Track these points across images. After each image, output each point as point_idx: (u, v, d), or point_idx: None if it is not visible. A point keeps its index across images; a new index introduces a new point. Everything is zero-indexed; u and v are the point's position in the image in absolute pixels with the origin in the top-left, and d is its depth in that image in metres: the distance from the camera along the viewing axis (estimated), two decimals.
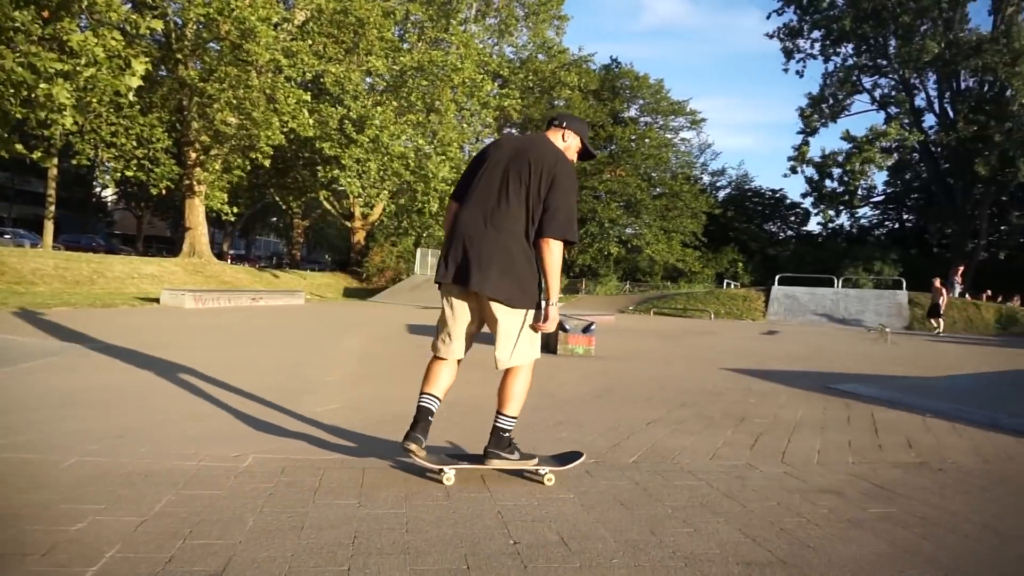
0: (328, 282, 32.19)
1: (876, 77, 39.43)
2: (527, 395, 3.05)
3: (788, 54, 41.44)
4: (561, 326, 9.20)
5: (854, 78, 39.11)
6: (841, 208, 41.62)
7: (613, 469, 3.38)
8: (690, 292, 33.70)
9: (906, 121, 37.69)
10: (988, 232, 38.14)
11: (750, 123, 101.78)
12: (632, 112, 45.20)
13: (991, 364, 9.06)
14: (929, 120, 38.87)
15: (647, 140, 42.51)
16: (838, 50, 39.55)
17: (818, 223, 46.51)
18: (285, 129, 20.85)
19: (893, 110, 38.34)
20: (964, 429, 4.93)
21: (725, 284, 37.30)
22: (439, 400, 2.96)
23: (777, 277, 29.54)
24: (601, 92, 42.69)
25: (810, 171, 39.77)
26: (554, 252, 2.81)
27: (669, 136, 45.13)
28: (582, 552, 2.26)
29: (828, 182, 39.41)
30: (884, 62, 38.04)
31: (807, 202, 45.30)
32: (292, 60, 20.62)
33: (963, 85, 36.84)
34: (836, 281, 29.61)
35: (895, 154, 38.82)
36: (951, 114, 36.68)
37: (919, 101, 38.71)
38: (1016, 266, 36.86)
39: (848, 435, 4.58)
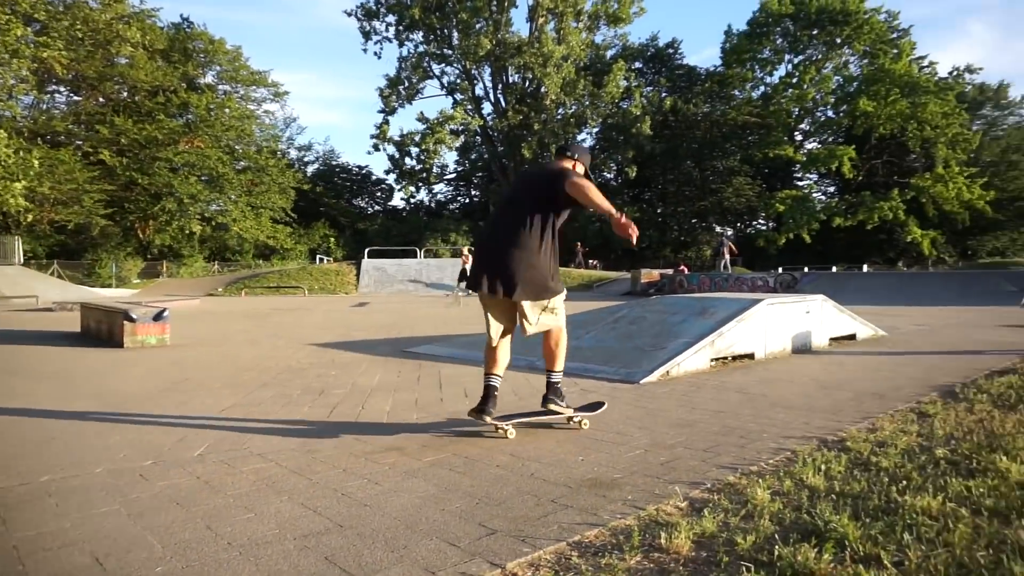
0: None
1: (444, 65, 43.42)
2: (561, 351, 3.91)
3: (366, 35, 42.96)
4: (127, 315, 8.17)
5: (425, 64, 42.45)
6: (420, 184, 45.14)
7: (174, 467, 3.11)
8: (283, 269, 33.07)
9: (469, 107, 42.40)
10: None
11: (336, 99, 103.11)
12: (209, 79, 41.97)
13: None
14: (487, 107, 44.38)
15: (227, 110, 39.96)
16: (411, 36, 42.45)
17: (401, 198, 49.76)
18: None
19: (459, 96, 42.73)
20: (509, 374, 5.77)
21: (318, 259, 37.55)
22: (500, 377, 3.74)
23: (367, 251, 30.77)
24: (170, 53, 38.60)
25: (391, 149, 42.16)
26: (578, 189, 3.38)
27: (252, 107, 43.16)
28: (119, 570, 2.02)
29: (408, 160, 42.32)
30: (450, 52, 42.06)
31: (391, 178, 48.00)
32: None
33: (511, 79, 42.86)
34: (419, 252, 32.14)
35: (462, 136, 43.43)
36: (503, 104, 42.42)
37: (479, 90, 43.89)
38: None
39: (416, 393, 5.01)
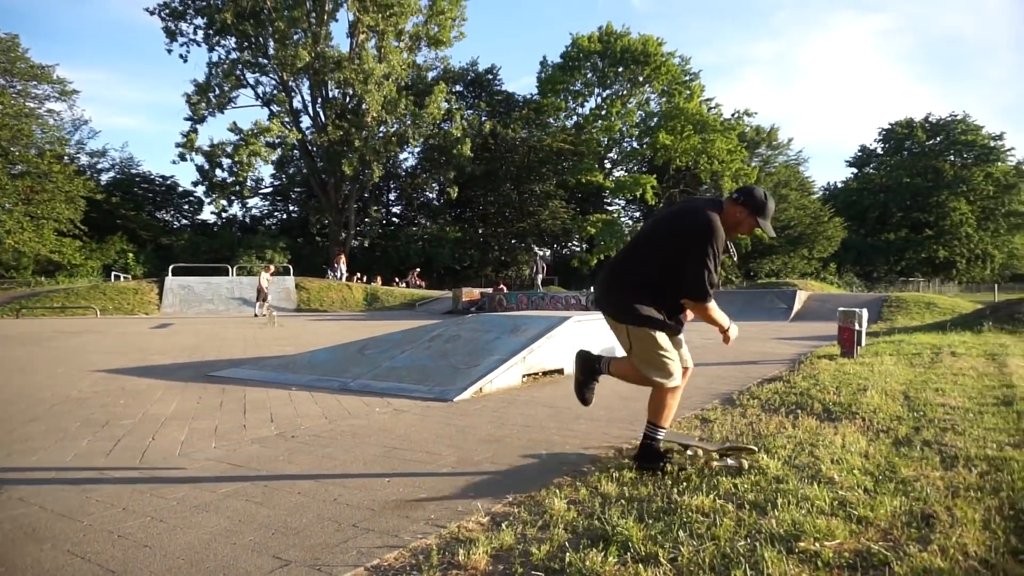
0: None
1: (259, 75, 41.38)
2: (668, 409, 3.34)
3: (171, 35, 39.85)
4: None
5: (238, 72, 40.20)
6: (233, 198, 42.56)
7: None
8: (70, 288, 29.54)
9: (287, 120, 40.77)
10: (356, 223, 44.59)
11: (136, 103, 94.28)
12: None
13: (352, 335, 10.60)
14: (306, 121, 42.94)
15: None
16: (222, 41, 40.02)
17: (212, 212, 46.45)
18: None
19: (275, 108, 40.93)
20: (321, 397, 5.60)
21: (113, 277, 33.98)
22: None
23: (171, 268, 28.40)
24: None
25: (200, 159, 39.35)
26: (697, 307, 3.16)
27: (32, 105, 38.31)
28: None
29: (219, 172, 39.72)
30: (265, 61, 40.20)
31: (199, 191, 44.70)
32: None
33: (331, 94, 41.87)
34: (231, 269, 30.22)
35: (279, 149, 41.60)
36: (323, 118, 41.29)
37: (297, 103, 42.31)
38: (377, 252, 44.14)
39: (217, 420, 4.67)
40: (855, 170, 75.98)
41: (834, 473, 2.94)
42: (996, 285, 40.49)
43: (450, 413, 4.83)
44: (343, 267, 33.13)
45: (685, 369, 3.41)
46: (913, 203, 66.79)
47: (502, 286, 31.71)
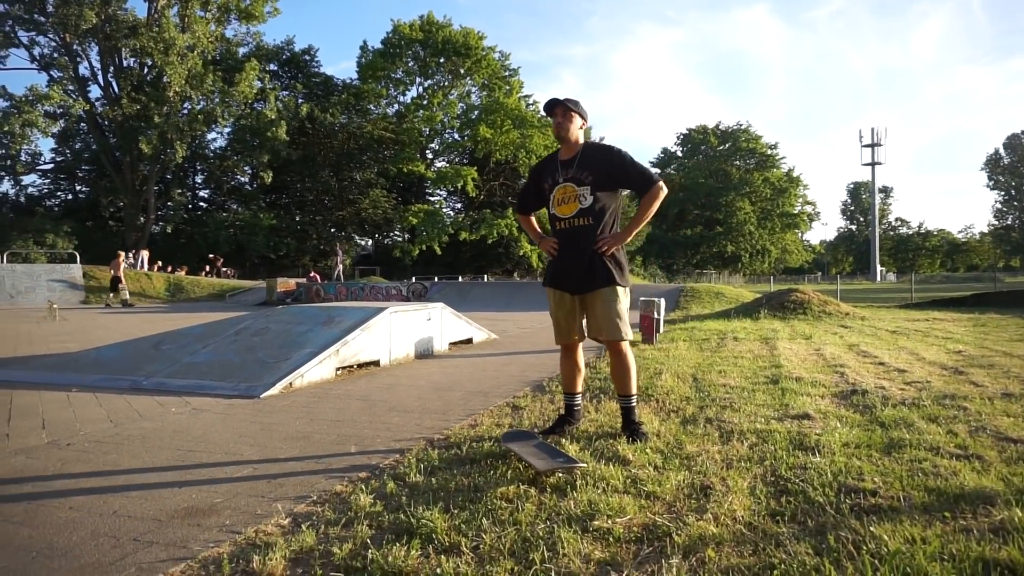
0: None
1: (35, 34, 36.33)
2: None
3: None
4: None
5: (7, 28, 35.02)
6: (3, 174, 37.23)
7: None
8: None
9: (71, 87, 36.24)
10: (157, 207, 40.78)
11: None
12: None
13: (149, 330, 9.69)
14: (96, 91, 38.50)
15: None
16: None
17: None
18: None
19: (56, 73, 36.20)
20: (106, 398, 5.05)
21: None
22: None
23: None
24: None
25: None
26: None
27: None
28: None
29: None
30: (43, 19, 35.39)
31: None
32: None
33: (125, 63, 37.87)
34: (1, 256, 26.41)
35: (61, 120, 36.93)
36: (116, 89, 37.22)
37: (83, 70, 37.73)
38: (182, 239, 40.72)
39: None
40: (658, 170, 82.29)
41: (628, 453, 3.15)
42: (772, 277, 45.82)
43: (256, 410, 4.57)
44: (144, 258, 30.26)
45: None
46: (707, 202, 73.76)
47: (315, 275, 30.62)
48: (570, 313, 3.57)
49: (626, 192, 3.71)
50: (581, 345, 3.71)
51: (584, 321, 3.58)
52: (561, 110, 3.50)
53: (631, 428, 3.46)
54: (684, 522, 2.29)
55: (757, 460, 3.06)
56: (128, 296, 21.59)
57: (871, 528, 2.20)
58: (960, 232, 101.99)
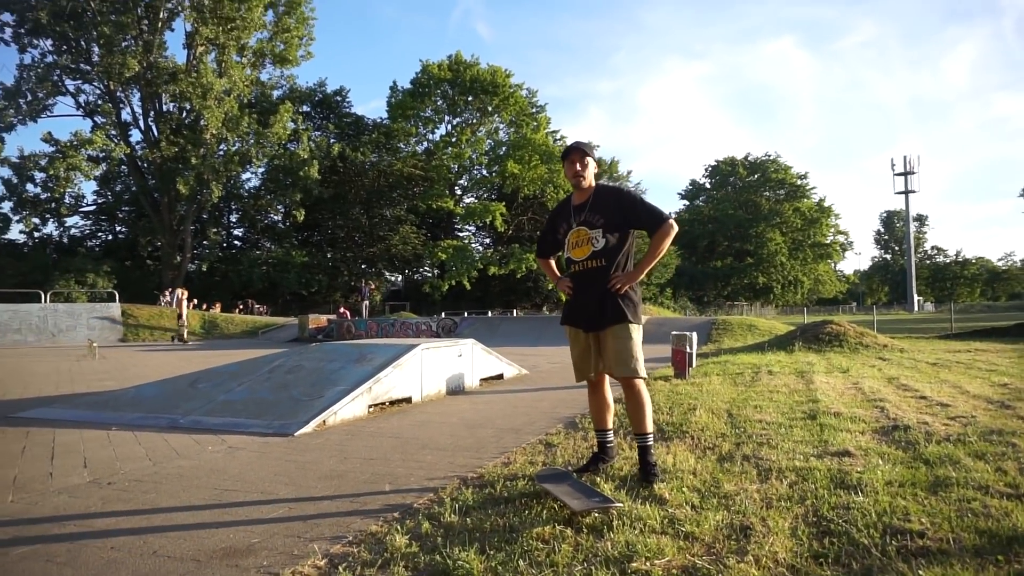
0: None
1: (80, 82, 37.87)
2: None
3: None
4: None
5: (55, 77, 36.54)
6: (48, 216, 38.48)
7: None
8: None
9: (113, 132, 37.56)
10: (193, 246, 41.77)
11: None
12: None
13: (185, 368, 9.86)
14: (136, 135, 39.83)
15: None
16: (36, 42, 36.28)
17: (21, 231, 41.58)
18: None
19: (99, 119, 37.58)
20: (145, 436, 5.14)
21: None
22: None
23: None
24: None
25: (7, 172, 35.28)
26: None
27: None
28: None
29: (30, 187, 35.81)
30: (88, 68, 36.89)
31: (6, 207, 39.90)
32: None
33: (165, 107, 39.18)
34: (44, 296, 27.18)
35: (103, 164, 38.21)
36: (155, 132, 38.46)
37: (125, 115, 39.12)
38: (217, 276, 41.54)
39: (17, 469, 4.14)
40: (687, 202, 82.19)
41: (665, 492, 3.11)
42: (806, 308, 45.08)
43: (290, 448, 4.61)
44: (180, 296, 30.86)
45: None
46: (737, 233, 73.23)
47: (344, 311, 30.93)
48: (585, 350, 3.62)
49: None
50: (608, 380, 3.69)
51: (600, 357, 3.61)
52: (578, 156, 3.58)
53: (646, 468, 3.41)
54: (724, 564, 2.25)
55: (797, 499, 2.99)
56: (186, 334, 22.12)
57: (919, 572, 2.13)
58: (1000, 260, 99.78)
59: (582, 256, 3.55)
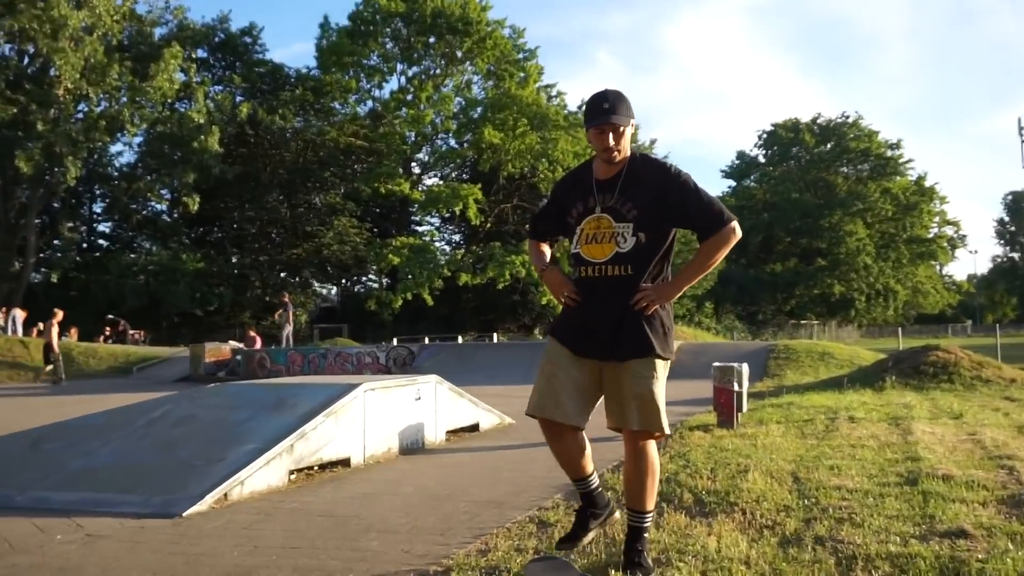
0: None
1: None
2: None
3: None
4: None
5: None
6: None
7: None
8: None
9: None
10: (38, 248, 41.29)
11: None
12: None
13: (28, 421, 9.74)
14: None
15: None
16: None
17: None
18: None
19: None
20: None
21: None
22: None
23: None
24: None
25: None
26: None
27: None
28: None
29: None
30: None
31: None
32: None
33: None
34: None
35: None
36: None
37: None
38: (73, 291, 41.09)
39: None
40: (732, 183, 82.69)
41: None
42: (900, 328, 45.55)
43: (177, 535, 4.55)
44: (17, 318, 30.60)
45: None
46: (803, 225, 73.56)
47: (254, 335, 30.73)
48: (577, 384, 3.49)
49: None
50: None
51: (601, 401, 3.54)
52: (611, 127, 3.38)
53: (633, 555, 3.39)
54: None
55: None
56: (62, 373, 21.87)
57: None
58: None
59: (601, 257, 3.40)
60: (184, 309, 42.63)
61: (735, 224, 3.39)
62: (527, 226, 3.52)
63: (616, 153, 3.40)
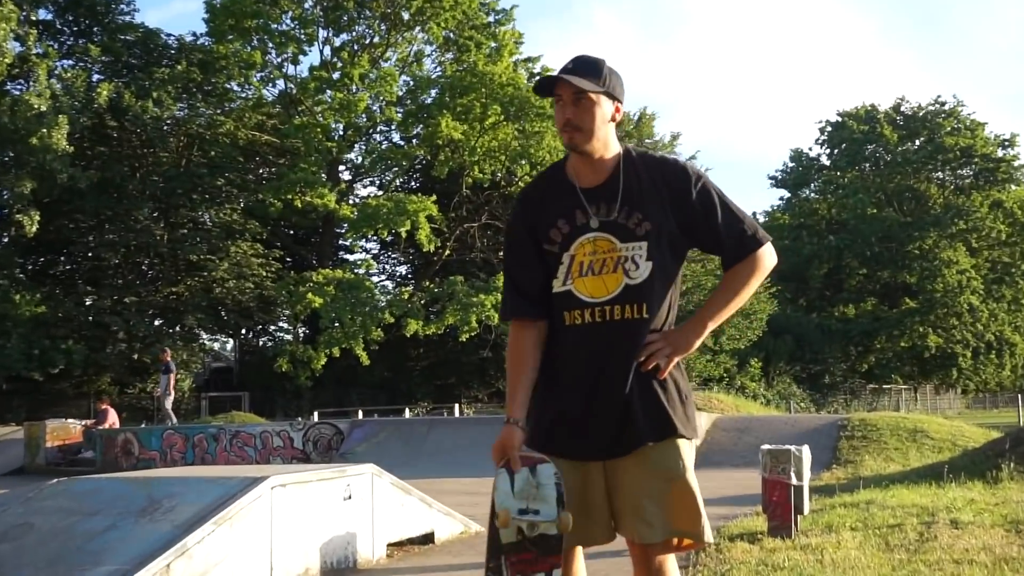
0: None
1: None
2: None
3: None
4: None
5: None
6: None
7: None
8: None
9: None
10: None
11: None
12: None
13: None
14: None
15: None
16: None
17: None
18: None
19: None
20: None
21: None
22: None
23: None
24: None
25: None
26: None
27: None
28: None
29: None
30: None
31: None
32: None
33: None
34: None
35: None
36: None
37: None
38: None
39: None
40: (786, 193, 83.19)
41: None
42: (1021, 396, 45.48)
43: None
44: None
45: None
46: (883, 251, 73.61)
47: (106, 406, 30.20)
48: (580, 498, 3.21)
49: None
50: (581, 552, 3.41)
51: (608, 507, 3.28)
52: (568, 89, 3.20)
53: None
54: None
55: None
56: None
57: None
58: None
59: (604, 295, 3.22)
60: (16, 372, 42.25)
61: (770, 247, 3.35)
62: (500, 299, 3.33)
63: (578, 134, 3.22)
